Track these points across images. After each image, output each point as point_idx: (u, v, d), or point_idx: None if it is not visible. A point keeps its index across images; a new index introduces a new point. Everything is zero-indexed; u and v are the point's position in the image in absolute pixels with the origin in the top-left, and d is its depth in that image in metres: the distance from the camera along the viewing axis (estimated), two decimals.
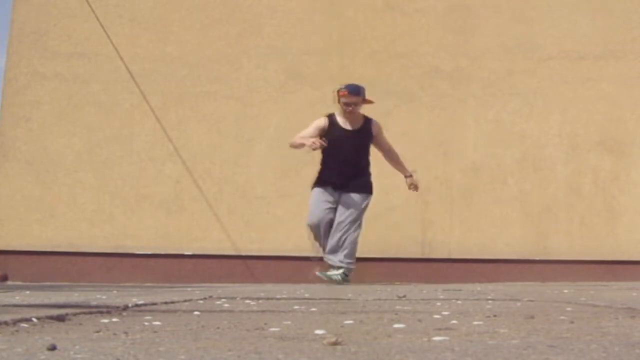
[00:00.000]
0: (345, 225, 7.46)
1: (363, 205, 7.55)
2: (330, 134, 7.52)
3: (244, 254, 9.02)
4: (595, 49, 9.26)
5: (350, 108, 7.46)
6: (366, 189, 7.58)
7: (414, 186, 7.83)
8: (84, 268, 8.98)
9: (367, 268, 8.86)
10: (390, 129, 9.17)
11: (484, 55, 9.24)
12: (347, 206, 7.48)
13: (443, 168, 9.10)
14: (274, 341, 1.87)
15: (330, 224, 7.52)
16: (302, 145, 7.47)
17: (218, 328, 2.25)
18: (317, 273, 7.59)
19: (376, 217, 8.99)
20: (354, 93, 7.47)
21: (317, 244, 7.76)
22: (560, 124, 9.17)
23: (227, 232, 9.05)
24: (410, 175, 7.83)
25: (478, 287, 6.46)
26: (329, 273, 7.51)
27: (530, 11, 9.32)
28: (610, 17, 9.28)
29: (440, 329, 2.17)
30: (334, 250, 7.49)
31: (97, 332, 2.12)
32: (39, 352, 1.64)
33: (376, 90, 9.18)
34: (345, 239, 7.46)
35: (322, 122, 7.62)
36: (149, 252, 9.03)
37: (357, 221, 7.50)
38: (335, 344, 1.76)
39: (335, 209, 7.52)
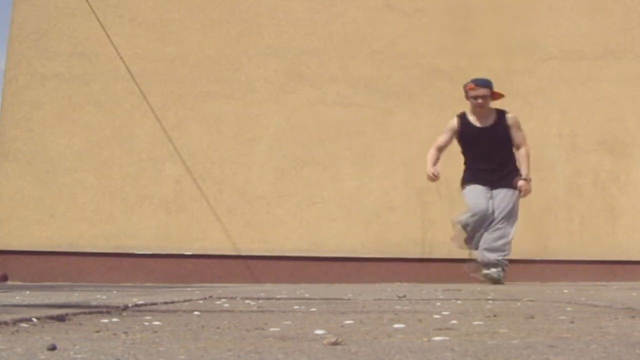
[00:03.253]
0: (501, 222, 7.36)
1: (514, 199, 7.44)
2: (464, 134, 7.44)
3: (244, 254, 9.02)
4: (595, 49, 9.25)
5: (480, 101, 7.39)
6: (512, 184, 7.49)
7: (523, 190, 7.57)
8: (84, 268, 8.97)
9: (367, 268, 8.86)
10: (390, 129, 9.18)
11: (484, 55, 9.23)
12: (500, 202, 7.39)
13: (443, 168, 9.09)
14: (274, 341, 1.87)
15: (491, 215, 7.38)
16: (426, 164, 7.46)
17: (218, 328, 2.25)
18: (474, 274, 7.48)
19: (376, 217, 8.99)
20: (482, 85, 7.40)
21: (463, 240, 7.59)
22: (560, 124, 9.17)
23: (227, 232, 9.05)
24: (524, 179, 7.59)
25: (478, 287, 6.46)
26: (486, 272, 7.39)
27: (530, 11, 9.31)
28: (610, 17, 9.28)
29: (440, 329, 2.17)
30: (493, 249, 7.39)
31: (97, 332, 2.12)
32: (39, 352, 1.64)
33: (376, 90, 9.19)
34: (502, 235, 7.38)
35: (454, 123, 7.51)
36: (149, 252, 9.03)
37: (511, 216, 7.41)
38: (335, 344, 1.76)
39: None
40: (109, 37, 9.28)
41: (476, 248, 7.49)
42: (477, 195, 7.42)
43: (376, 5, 9.33)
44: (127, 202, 9.10)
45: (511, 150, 7.60)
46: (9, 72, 9.30)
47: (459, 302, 3.68)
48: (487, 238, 7.37)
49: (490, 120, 7.51)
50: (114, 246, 9.02)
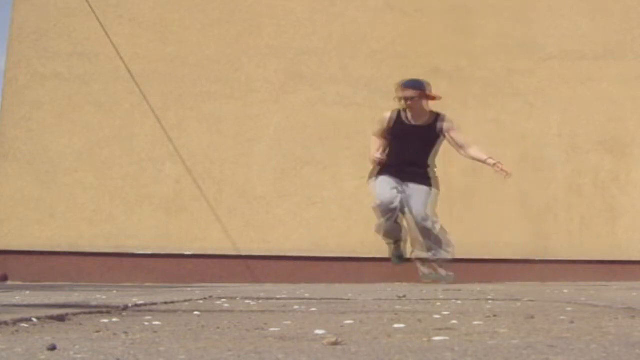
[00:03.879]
0: (422, 221, 7.37)
1: (430, 196, 7.45)
2: (394, 127, 7.49)
3: (244, 254, 9.01)
4: (595, 49, 9.25)
5: (409, 102, 7.41)
6: (427, 182, 7.49)
7: (503, 172, 7.45)
8: (84, 268, 8.97)
9: (367, 268, 8.86)
10: None
11: (484, 55, 9.23)
12: (416, 198, 7.39)
13: (443, 168, 9.08)
14: (274, 341, 1.87)
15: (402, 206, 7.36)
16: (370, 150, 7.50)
17: (218, 328, 2.25)
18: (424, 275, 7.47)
19: (376, 217, 8.98)
20: (409, 86, 7.43)
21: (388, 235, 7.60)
22: (560, 124, 9.17)
23: (227, 232, 9.05)
24: (496, 164, 7.52)
25: (478, 287, 6.46)
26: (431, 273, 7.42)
27: (530, 11, 9.31)
28: (610, 17, 9.28)
29: (440, 329, 2.17)
30: (429, 248, 7.41)
31: (97, 332, 2.12)
32: (39, 352, 1.64)
33: (376, 90, 9.18)
34: (431, 234, 7.41)
35: (387, 115, 7.58)
36: (149, 252, 9.02)
37: (427, 211, 7.42)
38: (335, 344, 1.76)
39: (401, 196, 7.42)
40: (109, 37, 9.27)
41: (396, 241, 7.51)
42: (384, 187, 7.42)
43: (376, 5, 9.33)
44: (127, 202, 9.10)
45: (430, 154, 7.58)
46: (9, 72, 9.30)
47: (459, 302, 3.68)
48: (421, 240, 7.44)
49: (423, 120, 7.52)
50: (114, 246, 9.02)
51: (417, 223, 7.41)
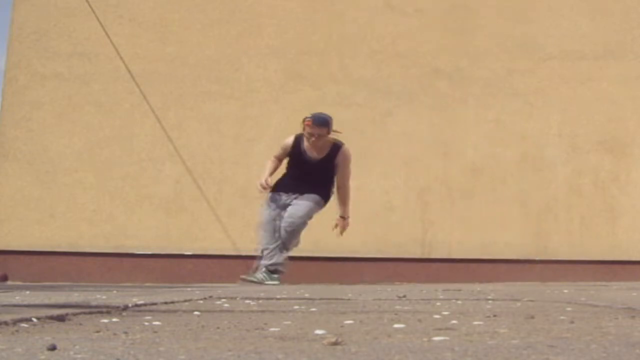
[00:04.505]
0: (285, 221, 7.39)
1: (313, 200, 7.43)
2: (293, 155, 7.48)
3: (244, 254, 9.00)
4: (595, 49, 9.25)
5: (314, 138, 7.37)
6: (319, 193, 7.48)
7: (340, 228, 7.60)
8: (84, 268, 8.97)
9: (367, 268, 8.86)
10: (391, 129, 9.18)
11: (484, 55, 9.24)
12: (297, 202, 7.42)
13: (443, 168, 9.10)
14: (274, 341, 1.87)
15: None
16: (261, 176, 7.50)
17: (218, 328, 2.25)
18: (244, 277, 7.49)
19: (376, 217, 8.99)
20: (319, 123, 7.36)
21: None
22: (560, 124, 9.17)
23: (227, 232, 9.05)
24: (344, 218, 7.63)
25: (478, 287, 6.46)
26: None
27: (530, 11, 9.31)
28: (610, 17, 9.28)
29: (440, 329, 2.17)
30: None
31: (97, 332, 2.12)
32: (39, 352, 1.64)
33: (376, 90, 9.19)
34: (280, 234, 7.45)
35: (289, 143, 7.54)
36: (149, 252, 9.02)
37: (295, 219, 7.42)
38: (335, 344, 1.76)
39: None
40: (109, 37, 9.28)
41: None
42: (268, 207, 7.48)
43: (376, 5, 9.33)
44: (127, 202, 9.10)
45: (331, 178, 7.55)
46: (9, 72, 9.30)
47: (459, 302, 3.68)
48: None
49: (323, 153, 7.45)
50: (114, 246, 9.02)
51: (284, 220, 7.41)
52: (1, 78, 9.46)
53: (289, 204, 7.44)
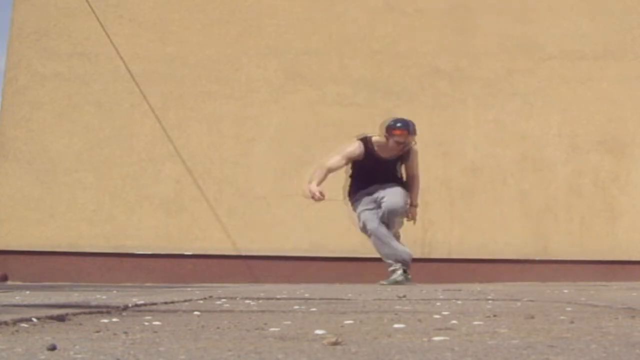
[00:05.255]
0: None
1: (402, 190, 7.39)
2: (363, 161, 7.34)
3: (244, 254, 9.01)
4: (595, 49, 9.25)
5: (402, 146, 7.30)
6: (399, 183, 7.44)
7: (411, 216, 7.57)
8: (84, 268, 8.97)
9: (367, 268, 8.85)
10: None
11: (484, 55, 9.24)
12: (391, 194, 7.33)
13: (443, 168, 9.10)
14: (274, 341, 1.87)
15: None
16: (311, 181, 7.38)
17: (218, 328, 2.25)
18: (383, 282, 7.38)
19: None
20: (413, 132, 7.28)
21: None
22: (560, 124, 9.17)
23: (227, 232, 9.05)
24: (415, 206, 7.57)
25: (478, 287, 6.46)
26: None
27: (530, 11, 9.31)
28: (610, 17, 9.28)
29: (440, 329, 2.17)
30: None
31: (97, 332, 2.12)
32: (39, 352, 1.64)
33: (376, 90, 9.19)
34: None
35: (356, 149, 7.39)
36: (149, 252, 9.02)
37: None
38: (335, 344, 1.76)
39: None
40: (109, 37, 9.28)
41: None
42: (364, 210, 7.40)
43: (376, 5, 9.33)
44: (127, 202, 9.10)
45: (398, 172, 7.51)
46: (9, 72, 9.30)
47: (459, 302, 3.68)
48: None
49: (395, 153, 7.39)
50: (114, 246, 9.02)
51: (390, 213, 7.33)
52: (1, 78, 9.48)
53: (380, 201, 7.34)
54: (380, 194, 7.29)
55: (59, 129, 9.21)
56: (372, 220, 7.30)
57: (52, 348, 1.67)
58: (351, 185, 7.48)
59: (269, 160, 9.14)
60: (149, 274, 8.91)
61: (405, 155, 7.39)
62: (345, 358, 1.55)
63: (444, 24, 9.30)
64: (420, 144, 9.08)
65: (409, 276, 7.29)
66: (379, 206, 7.27)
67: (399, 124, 7.27)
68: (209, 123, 9.22)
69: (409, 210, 7.51)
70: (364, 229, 7.41)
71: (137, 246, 9.03)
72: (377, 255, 8.95)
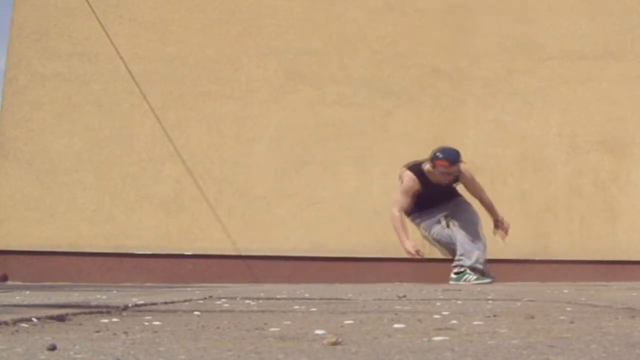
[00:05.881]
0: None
1: (477, 221, 7.65)
2: (424, 189, 7.57)
3: (244, 254, 9.01)
4: (595, 49, 9.25)
5: (449, 176, 7.49)
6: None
7: (501, 231, 7.84)
8: (84, 268, 8.97)
9: (367, 268, 8.86)
10: (391, 129, 9.18)
11: (484, 55, 9.24)
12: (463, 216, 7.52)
13: None
14: (274, 341, 1.87)
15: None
16: (398, 237, 7.55)
17: (218, 328, 2.25)
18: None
19: (376, 217, 8.98)
20: (453, 162, 7.45)
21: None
22: (560, 124, 9.17)
23: (227, 232, 9.05)
24: (499, 221, 7.86)
25: (478, 287, 6.46)
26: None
27: (530, 11, 9.31)
28: (610, 17, 9.28)
29: (440, 329, 2.17)
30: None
31: (97, 332, 2.12)
32: (39, 352, 1.64)
33: (376, 90, 9.19)
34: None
35: (414, 185, 7.59)
36: (149, 252, 9.02)
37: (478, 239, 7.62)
38: (335, 344, 1.76)
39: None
40: (109, 37, 9.28)
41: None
42: (435, 228, 7.70)
43: (376, 5, 9.33)
44: (127, 202, 9.10)
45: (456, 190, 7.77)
46: (9, 72, 9.30)
47: (459, 302, 3.68)
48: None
49: (446, 181, 7.60)
50: (114, 246, 9.02)
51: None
52: (1, 78, 9.47)
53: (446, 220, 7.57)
54: (448, 214, 7.52)
55: (59, 129, 9.21)
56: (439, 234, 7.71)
57: (52, 348, 1.67)
58: (412, 212, 7.65)
59: (269, 160, 9.14)
60: (149, 274, 8.91)
61: (459, 179, 7.60)
62: (345, 358, 1.55)
63: (444, 24, 9.29)
64: (420, 144, 9.09)
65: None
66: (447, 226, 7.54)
67: (440, 155, 7.43)
68: (209, 123, 9.22)
69: (496, 227, 7.79)
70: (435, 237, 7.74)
71: (137, 246, 9.03)
72: (378, 255, 8.96)
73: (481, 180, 9.07)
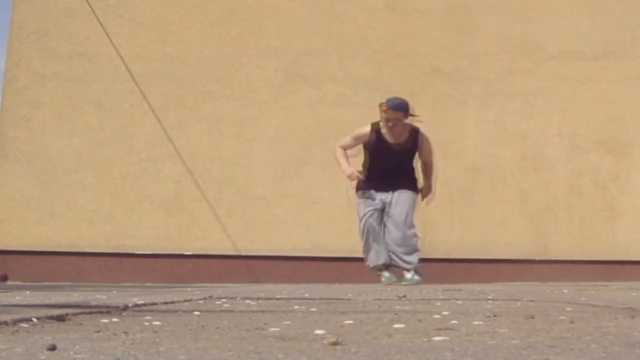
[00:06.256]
0: (400, 224, 7.29)
1: (414, 202, 7.37)
2: (373, 145, 7.35)
3: (244, 254, 9.01)
4: (595, 49, 9.25)
5: (391, 124, 7.26)
6: (412, 187, 7.42)
7: (426, 199, 7.56)
8: (84, 268, 8.97)
9: (367, 268, 8.85)
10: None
11: (484, 55, 9.24)
12: (397, 204, 7.30)
13: (443, 168, 9.09)
14: (274, 341, 1.87)
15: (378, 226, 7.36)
16: (339, 165, 7.38)
17: (218, 328, 2.25)
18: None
19: None
20: (395, 108, 7.26)
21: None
22: (560, 124, 9.17)
23: (227, 232, 9.05)
24: (430, 191, 7.54)
25: (478, 287, 6.46)
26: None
27: (530, 11, 9.31)
28: (610, 17, 9.28)
29: (440, 329, 2.17)
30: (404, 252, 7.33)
31: (97, 332, 2.12)
32: (39, 352, 1.64)
33: (376, 90, 9.18)
34: (405, 238, 7.31)
35: (364, 131, 7.40)
36: (149, 252, 9.02)
37: (407, 217, 7.33)
38: (335, 344, 1.76)
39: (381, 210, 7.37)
40: (109, 37, 9.28)
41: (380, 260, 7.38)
42: (363, 210, 7.38)
43: (376, 5, 9.33)
44: (127, 202, 9.10)
45: (412, 161, 7.48)
46: (9, 72, 9.30)
47: (459, 302, 3.68)
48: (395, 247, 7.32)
49: (401, 138, 7.35)
50: (114, 246, 9.02)
51: (397, 229, 7.29)
52: (1, 78, 9.47)
53: (386, 206, 7.32)
54: (387, 198, 7.29)
55: (59, 129, 9.21)
56: (367, 222, 7.34)
57: (52, 348, 1.67)
58: (364, 178, 7.42)
59: (269, 160, 9.14)
60: (149, 274, 8.91)
61: (416, 143, 7.37)
62: (345, 358, 1.55)
63: (444, 24, 9.30)
64: None
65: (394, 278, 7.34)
66: (383, 212, 7.30)
67: (384, 101, 7.29)
68: (209, 123, 9.22)
69: (422, 194, 7.50)
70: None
71: (137, 246, 9.03)
72: None
73: (481, 180, 9.08)
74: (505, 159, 9.12)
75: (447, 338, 1.92)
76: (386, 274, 7.37)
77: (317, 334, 2.03)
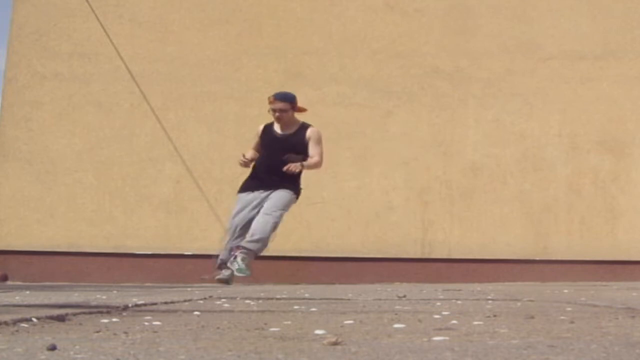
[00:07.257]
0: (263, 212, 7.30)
1: (286, 197, 7.33)
2: (262, 139, 7.46)
3: None
4: (595, 49, 9.25)
5: (277, 114, 7.37)
6: (291, 187, 7.37)
7: (291, 166, 7.30)
8: (84, 268, 8.97)
9: (367, 268, 8.86)
10: (390, 129, 9.18)
11: (484, 55, 9.23)
12: (270, 199, 7.31)
13: (443, 168, 9.10)
14: (274, 341, 1.87)
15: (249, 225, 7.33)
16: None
17: (218, 328, 2.25)
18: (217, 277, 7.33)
19: (376, 217, 8.99)
20: (279, 99, 7.38)
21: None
22: (560, 124, 9.17)
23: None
24: (301, 165, 7.35)
25: (478, 287, 6.46)
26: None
27: (530, 11, 9.31)
28: (610, 17, 9.28)
29: (440, 329, 2.17)
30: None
31: (97, 332, 2.12)
32: (39, 352, 1.64)
33: (376, 90, 9.19)
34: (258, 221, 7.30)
35: (259, 128, 7.55)
36: (149, 252, 9.02)
37: (273, 211, 7.31)
38: (335, 344, 1.76)
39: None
40: (109, 37, 9.28)
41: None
42: (237, 208, 7.39)
43: (376, 5, 9.33)
44: (127, 202, 9.10)
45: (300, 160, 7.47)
46: (9, 72, 9.30)
47: (459, 302, 3.68)
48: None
49: (290, 130, 7.41)
50: (114, 246, 9.02)
51: (260, 215, 7.31)
52: (1, 78, 9.47)
53: (262, 202, 7.32)
54: (264, 195, 7.32)
55: (59, 129, 9.21)
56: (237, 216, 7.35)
57: (52, 348, 1.67)
58: (249, 177, 7.44)
59: None
60: (149, 274, 8.90)
61: (303, 139, 7.36)
62: (345, 358, 1.55)
63: (444, 24, 9.29)
64: (420, 144, 9.10)
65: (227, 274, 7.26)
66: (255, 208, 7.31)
67: (272, 94, 7.39)
68: (209, 123, 9.22)
69: (293, 161, 7.35)
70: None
71: (137, 246, 9.03)
72: (378, 256, 8.96)
73: (481, 180, 9.07)
74: (505, 159, 9.12)
75: (447, 338, 1.92)
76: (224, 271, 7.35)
77: (317, 334, 2.03)
